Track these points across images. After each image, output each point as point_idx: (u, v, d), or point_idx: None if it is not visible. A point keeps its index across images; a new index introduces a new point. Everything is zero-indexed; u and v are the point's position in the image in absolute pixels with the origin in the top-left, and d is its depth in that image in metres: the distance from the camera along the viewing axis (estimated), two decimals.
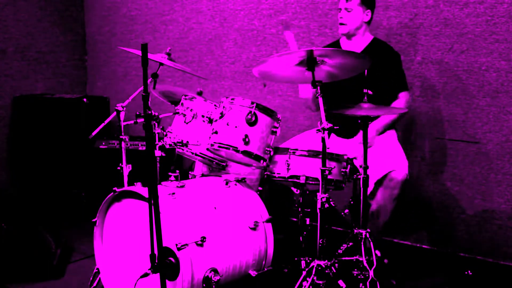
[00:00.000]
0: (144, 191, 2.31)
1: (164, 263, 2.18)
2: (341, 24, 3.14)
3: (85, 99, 4.27)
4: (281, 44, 3.99)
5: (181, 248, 2.24)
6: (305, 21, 3.87)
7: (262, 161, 2.63)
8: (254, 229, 2.55)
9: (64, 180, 4.20)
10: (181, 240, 2.26)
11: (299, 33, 3.89)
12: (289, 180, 2.63)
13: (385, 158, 2.95)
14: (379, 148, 3.02)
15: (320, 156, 2.41)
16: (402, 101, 3.15)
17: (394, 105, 3.13)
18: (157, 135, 2.44)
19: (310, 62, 2.49)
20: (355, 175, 2.71)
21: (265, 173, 2.71)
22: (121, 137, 2.79)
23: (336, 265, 2.52)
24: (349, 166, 2.69)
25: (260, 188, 2.87)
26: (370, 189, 2.86)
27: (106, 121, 2.91)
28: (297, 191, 2.86)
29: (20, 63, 4.55)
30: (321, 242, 2.44)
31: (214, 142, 2.60)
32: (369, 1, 3.13)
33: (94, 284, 2.69)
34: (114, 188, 2.50)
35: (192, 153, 2.74)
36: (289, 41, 3.11)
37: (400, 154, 3.04)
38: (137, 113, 2.14)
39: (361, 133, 2.95)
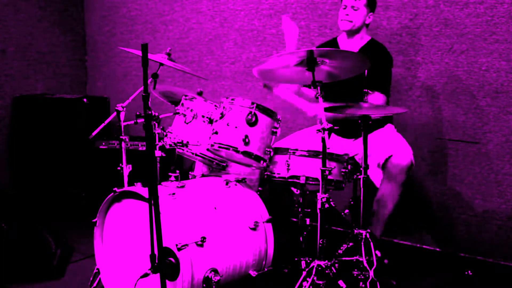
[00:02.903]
0: (144, 191, 2.31)
1: (164, 263, 2.18)
2: (344, 20, 3.12)
3: (85, 99, 4.27)
4: (281, 44, 3.98)
5: (181, 248, 2.24)
6: (305, 21, 3.87)
7: (262, 161, 2.63)
8: (254, 229, 2.55)
9: (64, 180, 4.19)
10: (181, 240, 2.26)
11: (299, 33, 3.88)
12: (289, 180, 2.63)
13: (385, 145, 2.96)
14: (379, 138, 3.02)
15: (320, 156, 2.41)
16: (374, 98, 2.91)
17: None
18: (157, 135, 2.44)
19: (310, 62, 2.49)
20: (355, 175, 2.71)
21: (265, 173, 2.71)
22: (121, 137, 2.78)
23: (336, 265, 2.52)
24: (349, 166, 2.69)
25: (260, 188, 2.87)
26: (372, 175, 2.87)
27: (106, 121, 2.91)
28: (297, 191, 2.87)
29: (20, 63, 4.54)
30: (321, 242, 2.44)
31: (214, 143, 2.60)
32: (374, 5, 3.15)
33: (94, 284, 2.69)
34: (114, 188, 2.50)
35: (192, 154, 2.74)
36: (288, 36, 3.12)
37: (402, 142, 3.04)
38: (137, 113, 2.14)
39: (374, 134, 2.94)
